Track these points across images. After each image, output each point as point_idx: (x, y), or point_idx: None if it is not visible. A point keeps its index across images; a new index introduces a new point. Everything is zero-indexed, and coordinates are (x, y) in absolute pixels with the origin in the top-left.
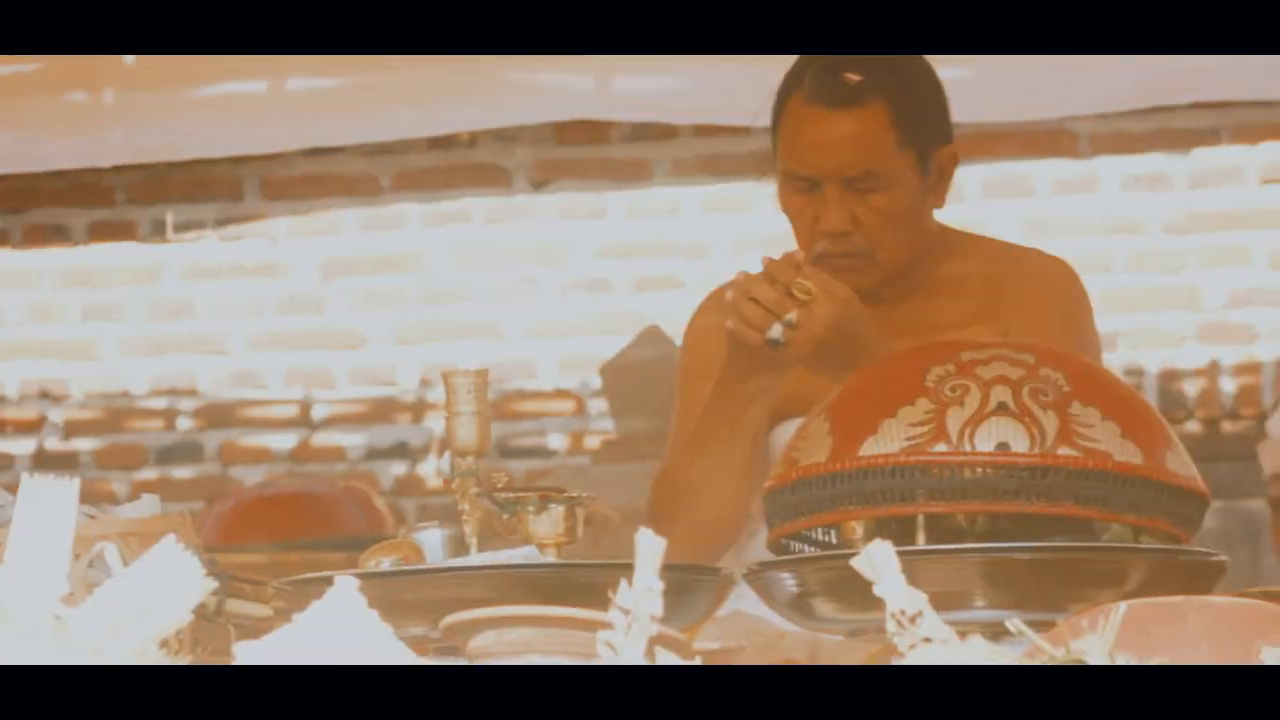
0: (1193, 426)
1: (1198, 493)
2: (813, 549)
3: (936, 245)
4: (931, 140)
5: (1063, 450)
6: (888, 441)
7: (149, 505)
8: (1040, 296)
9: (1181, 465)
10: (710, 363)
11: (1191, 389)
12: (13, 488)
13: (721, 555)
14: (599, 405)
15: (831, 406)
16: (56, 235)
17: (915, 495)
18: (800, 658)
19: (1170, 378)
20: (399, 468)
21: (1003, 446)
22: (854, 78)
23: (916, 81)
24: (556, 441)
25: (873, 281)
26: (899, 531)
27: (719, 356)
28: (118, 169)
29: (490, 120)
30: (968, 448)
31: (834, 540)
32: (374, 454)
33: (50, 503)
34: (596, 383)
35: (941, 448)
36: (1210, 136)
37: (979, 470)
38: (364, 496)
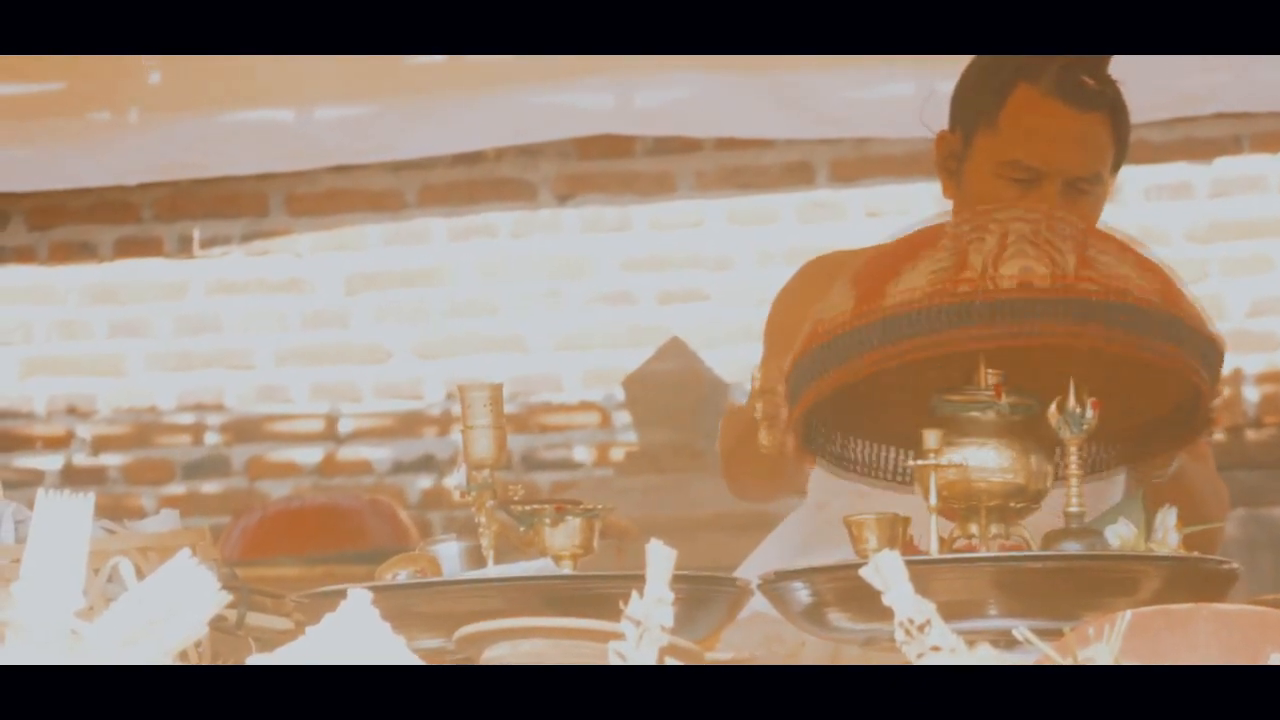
0: (1216, 434)
1: (1213, 338)
2: (839, 469)
3: None
4: (1121, 161)
5: (1085, 284)
6: (911, 281)
7: (168, 520)
8: None
9: (1196, 310)
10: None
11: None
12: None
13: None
14: (624, 417)
15: (855, 273)
16: (83, 252)
17: (942, 327)
18: None
19: None
20: (425, 481)
21: (1026, 271)
22: (1091, 82)
23: (1123, 100)
24: (582, 454)
25: None
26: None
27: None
28: (144, 186)
29: (513, 137)
30: (992, 274)
31: (869, 455)
32: (400, 468)
33: (66, 518)
34: (621, 395)
35: (966, 277)
36: (1232, 145)
37: (1005, 298)
38: (388, 509)
